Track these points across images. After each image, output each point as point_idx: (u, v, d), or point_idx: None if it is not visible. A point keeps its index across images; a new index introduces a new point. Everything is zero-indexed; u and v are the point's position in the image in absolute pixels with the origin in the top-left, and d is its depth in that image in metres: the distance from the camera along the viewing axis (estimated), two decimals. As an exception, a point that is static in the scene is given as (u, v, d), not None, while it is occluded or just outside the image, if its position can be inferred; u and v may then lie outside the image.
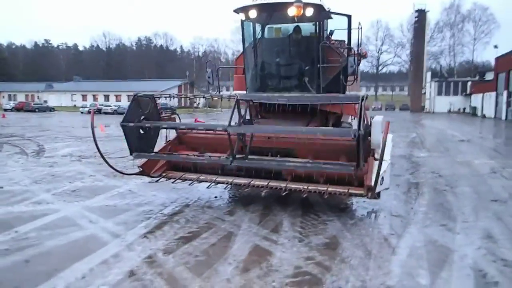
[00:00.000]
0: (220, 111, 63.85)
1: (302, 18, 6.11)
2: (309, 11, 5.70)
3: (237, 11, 6.10)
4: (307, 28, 6.75)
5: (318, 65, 6.11)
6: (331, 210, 5.53)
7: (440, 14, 78.11)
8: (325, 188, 4.98)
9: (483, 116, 40.47)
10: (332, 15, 6.30)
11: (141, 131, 5.62)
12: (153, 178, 6.04)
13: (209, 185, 5.56)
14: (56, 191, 6.65)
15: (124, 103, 58.93)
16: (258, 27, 6.73)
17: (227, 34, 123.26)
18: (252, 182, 5.40)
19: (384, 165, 4.52)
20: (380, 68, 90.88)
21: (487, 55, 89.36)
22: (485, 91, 40.81)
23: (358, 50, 6.61)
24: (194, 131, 6.47)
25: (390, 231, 4.69)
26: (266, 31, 6.79)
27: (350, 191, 4.90)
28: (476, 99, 45.36)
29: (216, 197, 6.33)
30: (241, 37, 6.79)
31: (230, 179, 5.57)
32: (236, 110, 4.94)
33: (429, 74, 63.05)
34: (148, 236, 4.47)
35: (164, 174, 6.03)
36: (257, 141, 5.44)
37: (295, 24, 6.37)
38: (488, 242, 4.34)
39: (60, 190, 6.71)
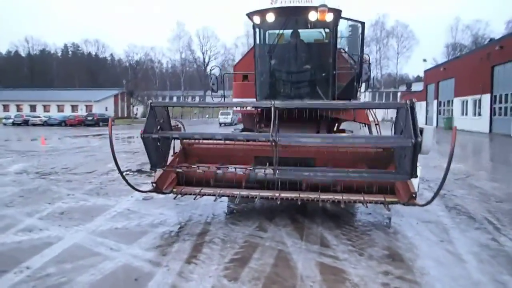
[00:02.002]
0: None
1: (319, 24, 5.99)
2: (329, 17, 5.56)
3: (252, 14, 5.77)
4: (316, 34, 6.65)
5: (334, 72, 6.00)
6: (356, 219, 5.40)
7: (368, 29, 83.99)
8: (362, 198, 4.82)
9: (391, 119, 43.95)
10: (347, 22, 6.24)
11: (158, 143, 5.03)
12: (164, 194, 5.40)
13: (236, 200, 5.10)
14: (41, 214, 5.69)
15: (54, 113, 54.46)
16: (266, 32, 6.47)
17: (164, 43, 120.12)
18: (282, 195, 5.04)
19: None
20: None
21: (407, 69, 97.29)
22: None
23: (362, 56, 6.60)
24: (204, 141, 5.92)
25: (435, 237, 4.65)
26: (275, 37, 6.53)
27: (387, 199, 4.80)
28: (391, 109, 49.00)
29: (234, 211, 5.87)
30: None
31: (254, 193, 5.15)
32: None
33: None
34: (194, 261, 3.92)
35: (175, 189, 5.42)
36: (265, 151, 5.14)
37: (308, 30, 6.21)
38: None
39: (45, 214, 5.76)
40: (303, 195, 4.94)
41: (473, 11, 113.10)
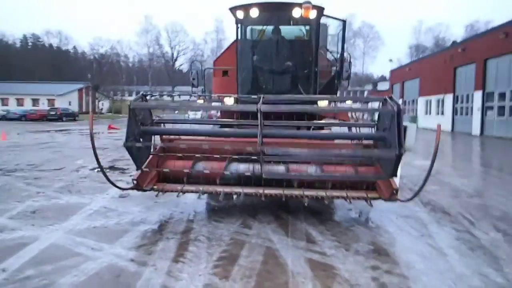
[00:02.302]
0: (126, 117, 60.26)
1: (302, 20, 6.01)
2: (313, 14, 5.59)
3: (235, 9, 5.70)
4: (297, 31, 6.67)
5: (316, 69, 6.04)
6: (337, 215, 5.49)
7: (336, 29, 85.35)
8: (345, 194, 4.89)
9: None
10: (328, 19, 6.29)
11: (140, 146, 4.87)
12: (144, 192, 5.25)
13: (220, 197, 5.00)
14: (10, 213, 5.37)
15: (14, 107, 51.71)
16: (247, 28, 6.40)
17: (131, 36, 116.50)
18: (266, 191, 5.01)
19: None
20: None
21: (372, 68, 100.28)
22: (380, 99, 45.65)
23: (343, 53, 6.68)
24: (183, 137, 5.79)
25: (416, 232, 4.80)
26: (257, 33, 6.49)
27: (369, 195, 4.90)
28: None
29: (215, 208, 5.80)
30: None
31: (238, 189, 5.08)
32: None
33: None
34: (182, 260, 3.82)
35: (155, 186, 5.27)
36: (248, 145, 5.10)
37: (289, 27, 6.21)
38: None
39: (15, 213, 5.44)
40: (287, 191, 4.95)
41: (435, 15, 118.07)
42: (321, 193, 4.87)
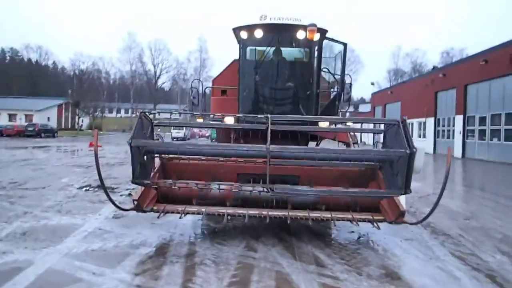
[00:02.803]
0: (107, 133, 59.26)
1: (304, 42, 6.07)
2: (317, 36, 5.65)
3: (239, 29, 5.70)
4: (296, 52, 6.72)
5: (318, 91, 6.06)
6: (340, 237, 5.41)
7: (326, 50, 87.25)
8: (351, 216, 4.82)
9: (364, 143, 46.05)
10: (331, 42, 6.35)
11: (144, 157, 4.71)
12: (144, 213, 5.04)
13: (224, 218, 4.84)
14: (-1, 235, 5.08)
15: (-10, 123, 49.99)
16: (247, 48, 6.41)
17: (113, 53, 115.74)
18: (270, 213, 4.89)
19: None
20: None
21: (352, 91, 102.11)
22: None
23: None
24: (182, 157, 5.63)
25: (423, 255, 4.76)
26: (258, 53, 6.50)
27: (374, 217, 4.85)
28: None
29: (216, 231, 5.63)
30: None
31: (242, 211, 4.94)
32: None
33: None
34: (191, 285, 3.64)
35: (155, 207, 5.08)
36: (249, 167, 5.04)
37: (289, 48, 6.25)
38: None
39: (4, 234, 5.14)
40: (292, 213, 4.85)
41: (412, 41, 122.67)
42: (327, 215, 4.80)
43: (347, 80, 6.34)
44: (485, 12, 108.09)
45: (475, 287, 3.80)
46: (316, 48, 6.04)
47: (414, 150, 4.10)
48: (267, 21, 5.60)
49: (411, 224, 4.59)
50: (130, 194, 4.71)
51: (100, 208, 6.92)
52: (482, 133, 21.56)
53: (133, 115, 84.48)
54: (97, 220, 6.06)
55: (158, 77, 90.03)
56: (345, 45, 6.30)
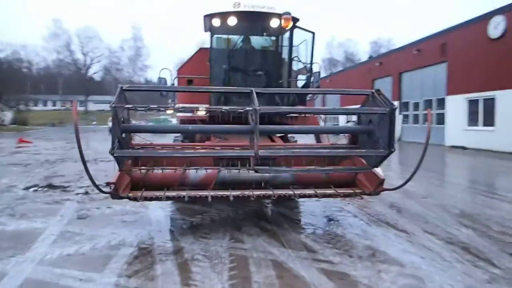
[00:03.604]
0: (35, 128, 54.26)
1: (278, 30, 6.04)
2: (290, 24, 5.65)
3: (211, 16, 5.50)
4: (262, 41, 6.67)
5: (289, 79, 6.09)
6: (317, 221, 5.58)
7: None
8: (334, 191, 4.80)
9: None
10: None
11: (123, 135, 4.36)
12: (121, 199, 4.58)
13: (210, 200, 4.59)
14: (-50, 246, 4.47)
15: None
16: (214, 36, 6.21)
17: (38, 41, 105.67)
18: (255, 192, 4.67)
19: None
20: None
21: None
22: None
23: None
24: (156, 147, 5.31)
25: (400, 234, 5.05)
26: (222, 41, 6.35)
27: (356, 190, 4.91)
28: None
29: (194, 224, 5.47)
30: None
31: (226, 192, 4.75)
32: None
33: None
34: (193, 283, 3.51)
35: (131, 194, 4.69)
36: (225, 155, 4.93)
37: (264, 37, 6.19)
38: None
39: (-44, 244, 4.55)
40: (277, 191, 4.75)
41: (345, 31, 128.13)
42: (310, 191, 4.79)
43: (315, 68, 6.44)
44: (409, 5, 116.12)
45: (458, 259, 4.12)
46: (288, 36, 6.04)
47: (394, 107, 4.24)
48: (241, 8, 5.47)
49: (391, 190, 4.73)
50: (107, 183, 4.33)
51: (58, 209, 6.38)
52: (416, 117, 23.31)
53: (63, 107, 78.71)
54: (60, 222, 5.58)
55: (89, 67, 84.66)
56: (313, 33, 6.38)
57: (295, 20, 5.73)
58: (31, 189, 8.18)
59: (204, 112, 5.89)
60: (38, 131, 47.86)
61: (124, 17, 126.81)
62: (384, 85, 26.78)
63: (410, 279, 3.61)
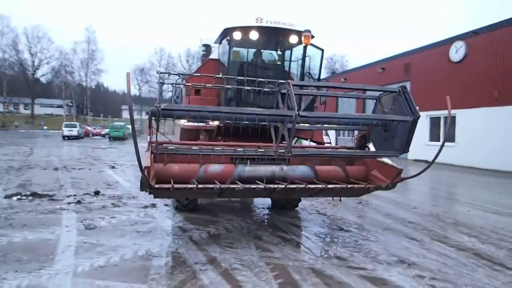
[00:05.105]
0: (16, 128, 49.85)
1: (290, 46, 6.27)
2: (310, 41, 5.88)
3: (232, 30, 5.62)
4: (270, 55, 6.87)
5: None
6: (330, 222, 5.82)
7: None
8: (351, 186, 4.83)
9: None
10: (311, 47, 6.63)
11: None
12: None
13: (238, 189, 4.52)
14: (-37, 260, 4.14)
15: None
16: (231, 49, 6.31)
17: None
18: (270, 186, 4.57)
19: None
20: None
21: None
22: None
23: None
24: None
25: (412, 240, 5.40)
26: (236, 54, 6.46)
27: (369, 185, 4.98)
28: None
29: (212, 233, 5.46)
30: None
31: (238, 186, 4.53)
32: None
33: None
34: (246, 291, 3.57)
35: (157, 186, 4.23)
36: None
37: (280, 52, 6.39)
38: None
39: (-32, 257, 4.22)
40: (292, 185, 4.70)
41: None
42: (332, 186, 4.74)
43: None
44: (362, 24, 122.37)
45: (475, 263, 4.50)
46: (303, 52, 6.28)
47: (418, 115, 4.43)
48: (263, 23, 5.64)
49: (408, 178, 4.84)
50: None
51: (58, 219, 6.09)
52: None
53: (6, 110, 73.19)
54: (70, 233, 5.33)
55: (37, 68, 79.83)
56: (322, 50, 6.67)
57: (312, 37, 5.99)
58: (14, 198, 7.67)
59: (217, 122, 5.94)
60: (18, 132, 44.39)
61: (78, 18, 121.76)
62: (350, 101, 27.96)
63: (445, 283, 3.91)
